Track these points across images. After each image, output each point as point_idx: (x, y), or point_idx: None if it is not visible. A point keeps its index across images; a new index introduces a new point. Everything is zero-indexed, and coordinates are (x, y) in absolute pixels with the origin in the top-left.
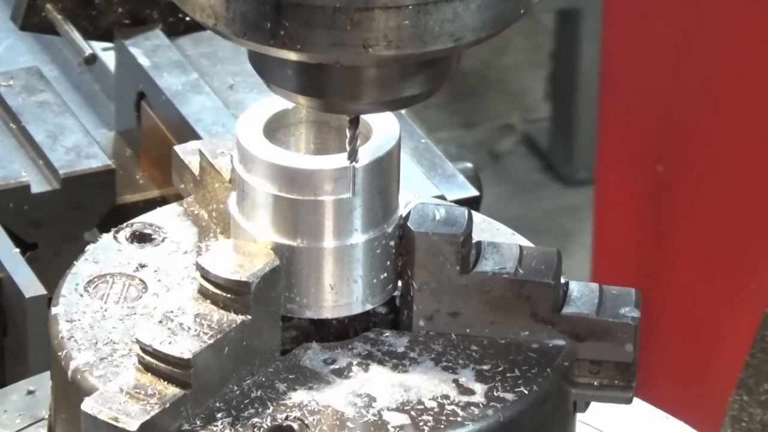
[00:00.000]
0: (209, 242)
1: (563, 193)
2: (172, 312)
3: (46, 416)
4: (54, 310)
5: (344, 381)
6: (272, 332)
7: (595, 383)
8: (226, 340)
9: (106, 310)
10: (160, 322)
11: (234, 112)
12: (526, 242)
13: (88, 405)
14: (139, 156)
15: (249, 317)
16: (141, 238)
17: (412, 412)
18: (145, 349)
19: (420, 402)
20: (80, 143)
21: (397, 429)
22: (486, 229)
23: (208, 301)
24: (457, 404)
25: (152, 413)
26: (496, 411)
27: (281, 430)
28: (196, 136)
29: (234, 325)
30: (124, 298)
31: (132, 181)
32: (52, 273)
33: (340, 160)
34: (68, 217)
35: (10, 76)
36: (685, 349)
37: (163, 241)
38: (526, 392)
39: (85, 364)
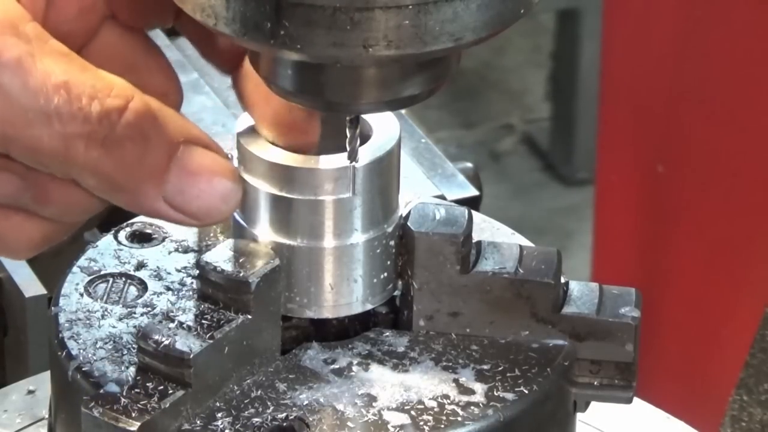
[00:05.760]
0: (209, 242)
1: (563, 193)
2: (172, 312)
3: (46, 416)
4: (54, 310)
5: (344, 381)
6: (272, 332)
7: (595, 383)
8: (226, 339)
9: (106, 310)
10: (160, 321)
11: (234, 112)
12: (526, 242)
13: (88, 405)
14: None
15: (249, 317)
16: (141, 237)
17: (413, 412)
18: (145, 349)
19: (420, 402)
20: None
21: (398, 429)
22: (486, 228)
23: (209, 300)
24: (457, 404)
25: (152, 413)
26: (496, 411)
27: (281, 429)
28: None
29: (234, 325)
30: (124, 298)
31: None
32: (52, 273)
33: (340, 160)
34: None
35: None
36: (685, 349)
37: (163, 240)
38: (526, 392)
39: (85, 364)
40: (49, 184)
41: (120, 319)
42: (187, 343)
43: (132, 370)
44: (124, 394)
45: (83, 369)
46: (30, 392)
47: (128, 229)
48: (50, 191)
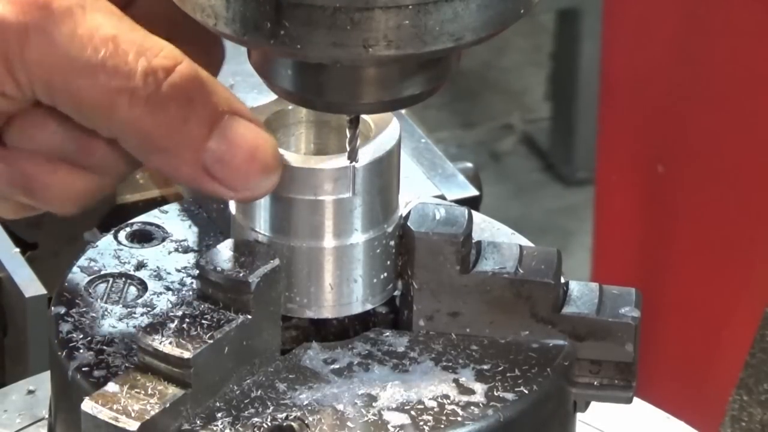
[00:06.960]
0: (209, 242)
1: (563, 193)
2: (172, 312)
3: (46, 416)
4: (54, 310)
5: (344, 381)
6: (272, 332)
7: (595, 383)
8: (226, 339)
9: (106, 310)
10: (160, 321)
11: None
12: (526, 242)
13: (88, 405)
14: None
15: (249, 317)
16: (141, 237)
17: (412, 412)
18: (145, 349)
19: (420, 402)
20: None
21: (397, 429)
22: (486, 228)
23: (209, 300)
24: (457, 404)
25: (152, 413)
26: (496, 411)
27: (281, 429)
28: None
29: (234, 325)
30: (124, 298)
31: (132, 181)
32: (52, 273)
33: (340, 160)
34: (68, 217)
35: None
36: (685, 349)
37: (163, 240)
38: (526, 392)
39: (85, 364)
40: (94, 133)
41: (120, 319)
42: (187, 343)
43: (132, 370)
44: (124, 394)
45: (83, 369)
46: (30, 392)
47: (128, 229)
48: (95, 142)
